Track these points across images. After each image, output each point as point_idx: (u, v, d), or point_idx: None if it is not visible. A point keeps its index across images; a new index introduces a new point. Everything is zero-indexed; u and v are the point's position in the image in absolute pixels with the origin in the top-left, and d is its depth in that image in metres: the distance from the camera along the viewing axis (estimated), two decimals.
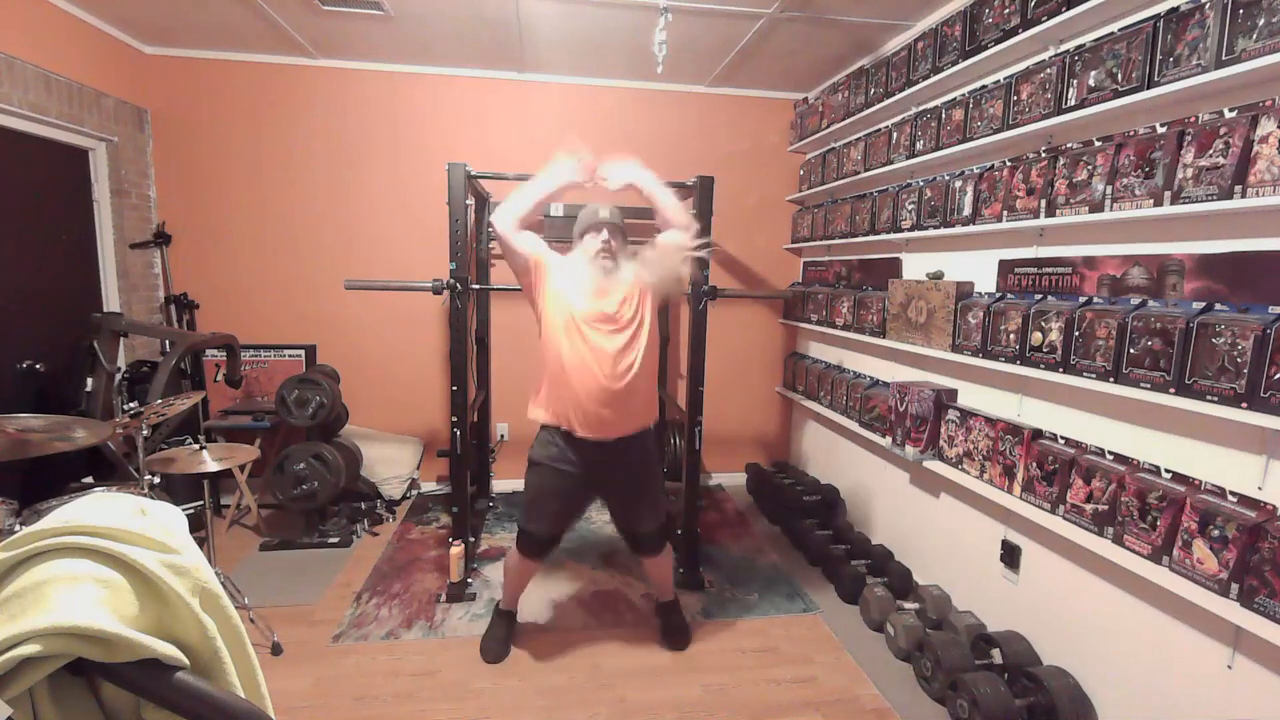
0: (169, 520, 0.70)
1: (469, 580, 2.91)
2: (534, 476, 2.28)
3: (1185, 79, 1.65)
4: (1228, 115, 1.59)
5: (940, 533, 2.76)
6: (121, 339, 3.28)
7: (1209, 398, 1.58)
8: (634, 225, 4.03)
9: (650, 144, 4.00)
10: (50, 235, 3.07)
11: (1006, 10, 2.26)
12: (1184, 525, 1.65)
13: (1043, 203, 2.12)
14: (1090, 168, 1.94)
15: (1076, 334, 1.95)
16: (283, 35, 3.30)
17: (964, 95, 2.49)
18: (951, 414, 2.52)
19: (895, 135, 2.97)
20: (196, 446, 2.40)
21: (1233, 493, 1.59)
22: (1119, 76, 1.84)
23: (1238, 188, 1.54)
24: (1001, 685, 2.00)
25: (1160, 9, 1.77)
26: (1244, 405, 1.50)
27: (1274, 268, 1.53)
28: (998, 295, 2.35)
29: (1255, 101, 1.54)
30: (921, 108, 2.82)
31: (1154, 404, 1.73)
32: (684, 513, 2.97)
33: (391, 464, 3.86)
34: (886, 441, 2.89)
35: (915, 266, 2.98)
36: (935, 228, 2.68)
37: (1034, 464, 2.13)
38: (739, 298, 4.12)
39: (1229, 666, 1.63)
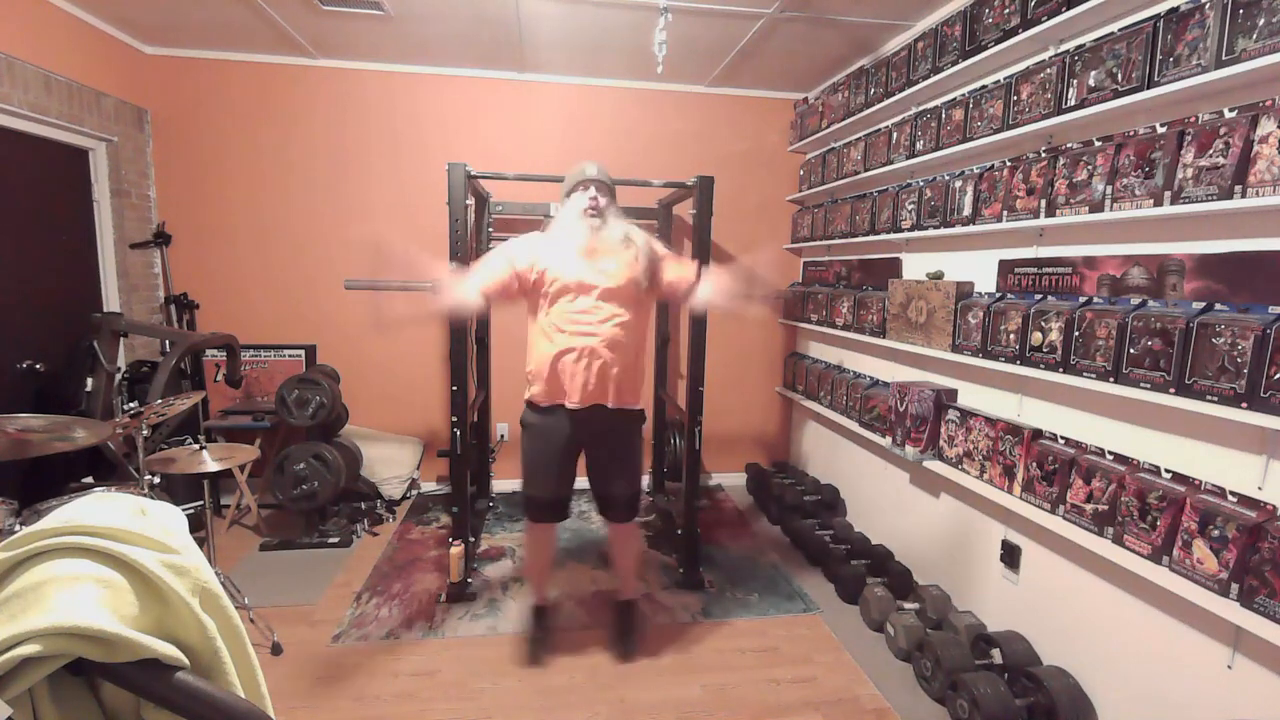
0: (169, 520, 0.70)
1: (469, 580, 2.91)
2: (527, 440, 2.29)
3: (1185, 79, 1.65)
4: (1228, 115, 1.59)
5: (940, 533, 2.76)
6: (121, 339, 3.27)
7: (1209, 398, 1.58)
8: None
9: (650, 144, 4.00)
10: (50, 235, 3.07)
11: (1006, 10, 2.26)
12: (1184, 525, 1.65)
13: (1043, 203, 2.12)
14: (1090, 168, 1.94)
15: (1076, 334, 1.95)
16: (283, 35, 3.30)
17: (964, 95, 2.49)
18: (951, 414, 2.52)
19: (895, 135, 2.97)
20: (196, 446, 2.40)
21: (1233, 493, 1.59)
22: (1119, 76, 1.84)
23: (1238, 188, 1.54)
24: (1001, 685, 2.00)
25: (1160, 9, 1.77)
26: (1244, 405, 1.50)
27: (1274, 268, 1.53)
28: (998, 295, 2.35)
29: (1255, 101, 1.54)
30: (921, 108, 2.82)
31: (1154, 404, 1.73)
32: (684, 513, 2.97)
33: (391, 464, 3.86)
34: (886, 441, 2.89)
35: (915, 266, 2.98)
36: (935, 228, 2.68)
37: (1034, 464, 2.13)
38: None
39: (1229, 666, 1.63)
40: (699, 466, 2.97)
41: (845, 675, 2.37)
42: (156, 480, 2.25)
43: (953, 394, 2.61)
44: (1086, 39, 1.98)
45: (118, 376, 3.22)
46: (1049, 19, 2.06)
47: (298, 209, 3.78)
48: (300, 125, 3.72)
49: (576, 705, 2.18)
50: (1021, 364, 2.16)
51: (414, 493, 4.04)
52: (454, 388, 2.80)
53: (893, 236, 2.99)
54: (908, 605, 2.60)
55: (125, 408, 3.19)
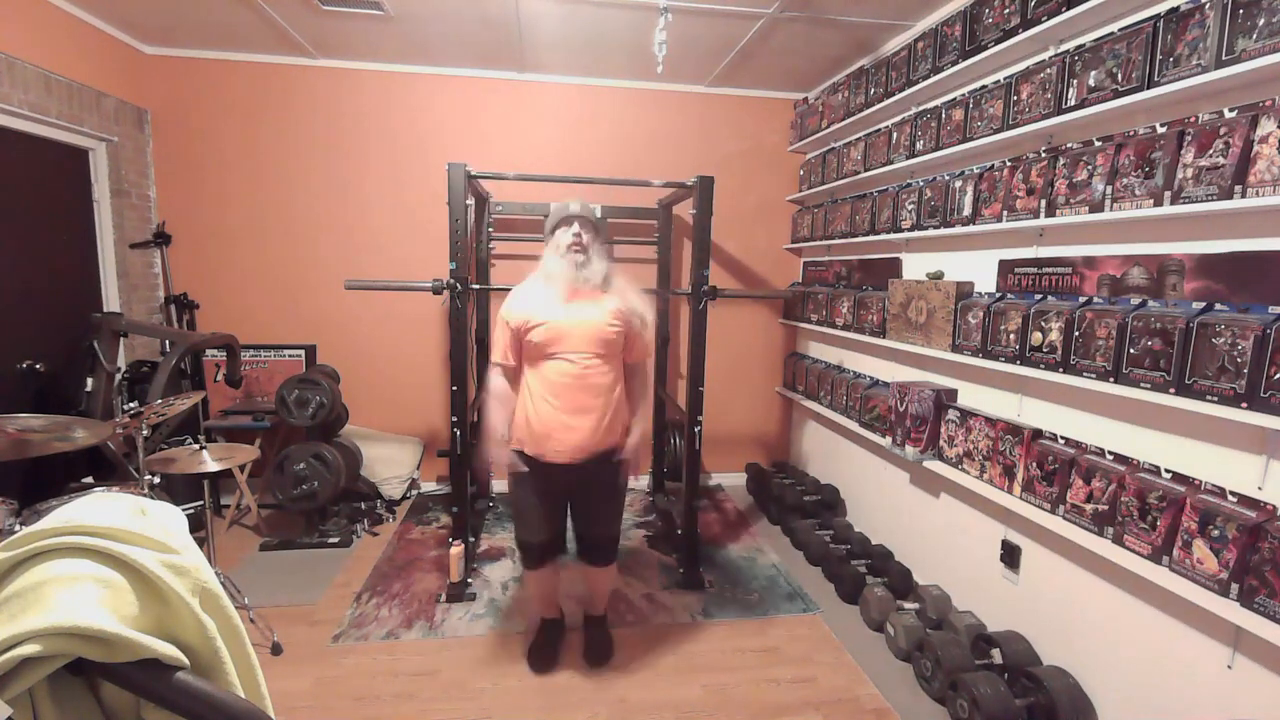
0: (169, 520, 0.70)
1: (469, 580, 2.91)
2: (515, 488, 2.27)
3: (1185, 79, 1.65)
4: (1228, 115, 1.59)
5: (940, 533, 2.76)
6: (121, 339, 3.28)
7: (1209, 398, 1.58)
8: (617, 225, 4.05)
9: (650, 144, 4.00)
10: (50, 235, 3.07)
11: (1006, 10, 2.26)
12: (1184, 525, 1.65)
13: (1043, 203, 2.12)
14: (1090, 168, 1.94)
15: (1076, 334, 1.95)
16: (282, 35, 3.30)
17: (964, 95, 2.49)
18: (951, 414, 2.52)
19: (895, 135, 2.97)
20: (196, 446, 2.40)
21: (1233, 493, 1.58)
22: (1119, 76, 1.84)
23: (1238, 188, 1.54)
24: (1001, 685, 2.00)
25: (1160, 9, 1.77)
26: (1244, 405, 1.50)
27: (1274, 268, 1.53)
28: (998, 295, 2.35)
29: (1255, 101, 1.54)
30: (921, 108, 2.82)
31: (1154, 404, 1.73)
32: (684, 513, 2.97)
33: (391, 464, 3.86)
34: (886, 441, 2.89)
35: (915, 266, 2.98)
36: (935, 228, 2.68)
37: (1034, 464, 2.13)
38: (739, 298, 4.12)
39: (1229, 666, 1.63)
40: (699, 466, 2.97)
41: (845, 675, 2.37)
42: (156, 480, 2.25)
43: (953, 394, 2.61)
44: (1086, 39, 1.98)
45: (118, 376, 3.22)
46: (1049, 19, 2.06)
47: (298, 209, 3.78)
48: (300, 125, 3.72)
49: (576, 705, 2.18)
50: (1021, 364, 2.16)
51: (414, 493, 4.04)
52: (454, 388, 2.80)
53: (893, 236, 2.99)
54: (908, 605, 2.60)
55: (125, 408, 3.19)
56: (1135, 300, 1.84)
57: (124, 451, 2.87)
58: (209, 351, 3.75)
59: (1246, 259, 1.60)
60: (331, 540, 3.30)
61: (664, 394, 3.96)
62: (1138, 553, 1.77)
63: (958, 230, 2.53)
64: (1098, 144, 1.94)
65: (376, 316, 3.91)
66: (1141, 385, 1.75)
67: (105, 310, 3.34)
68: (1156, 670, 1.83)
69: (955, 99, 2.57)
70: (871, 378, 3.21)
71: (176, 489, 3.09)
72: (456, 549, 2.77)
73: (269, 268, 3.80)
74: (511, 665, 2.38)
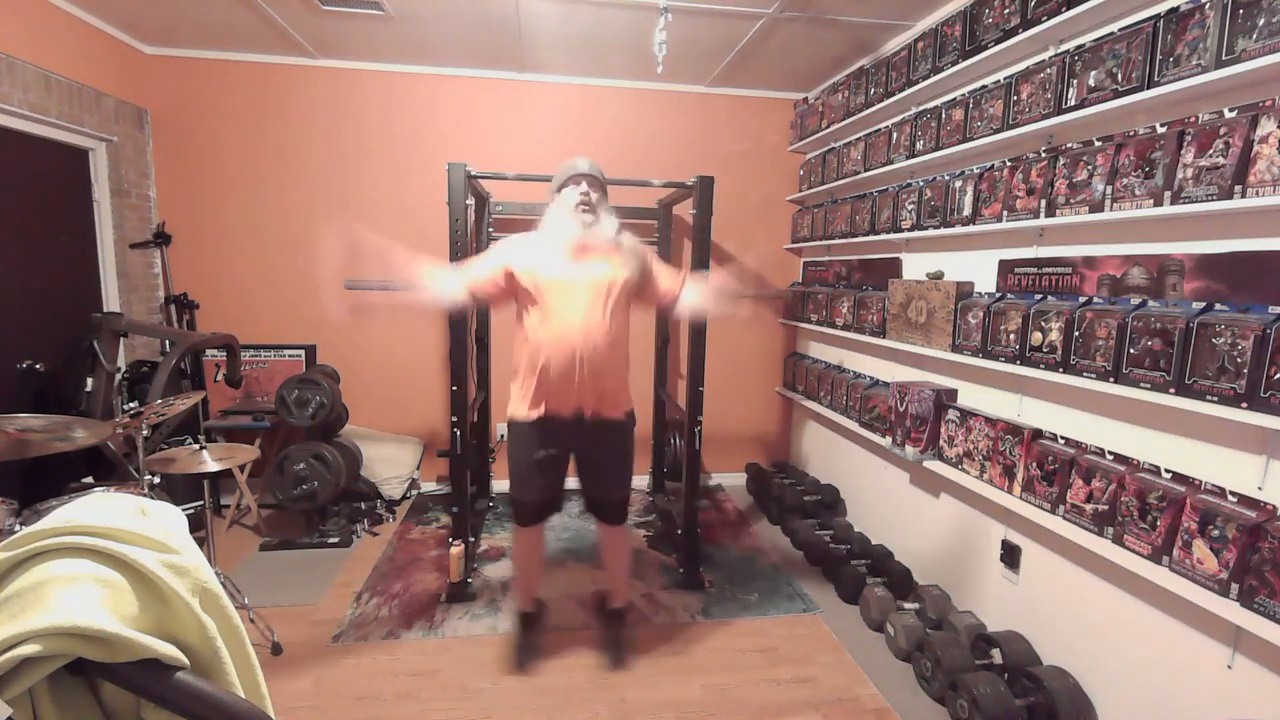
0: (169, 520, 0.70)
1: (469, 580, 2.91)
2: (512, 444, 2.23)
3: (1185, 79, 1.65)
4: (1228, 115, 1.59)
5: (940, 533, 2.76)
6: (121, 339, 3.27)
7: (1209, 398, 1.58)
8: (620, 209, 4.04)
9: (650, 144, 4.00)
10: (50, 235, 3.07)
11: (1006, 10, 2.26)
12: (1184, 525, 1.65)
13: (1043, 203, 2.12)
14: (1090, 168, 1.94)
15: (1076, 334, 1.95)
16: (282, 35, 3.30)
17: (964, 95, 2.49)
18: (951, 414, 2.52)
19: (895, 135, 2.97)
20: (196, 446, 2.40)
21: (1233, 493, 1.58)
22: (1119, 76, 1.84)
23: (1238, 188, 1.54)
24: (1001, 685, 1.99)
25: (1160, 9, 1.77)
26: (1244, 405, 1.50)
27: (1274, 268, 1.53)
28: (998, 295, 2.35)
29: (1255, 101, 1.54)
30: (921, 108, 2.82)
31: (1154, 404, 1.73)
32: (684, 513, 2.97)
33: (391, 464, 3.86)
34: (886, 441, 2.89)
35: (915, 266, 2.98)
36: (935, 228, 2.68)
37: (1034, 464, 2.13)
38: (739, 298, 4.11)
39: (1229, 666, 1.63)
40: (699, 466, 2.96)
41: (845, 675, 2.37)
42: (156, 480, 2.25)
43: (953, 394, 2.61)
44: (1086, 39, 1.98)
45: (118, 376, 3.22)
46: (1049, 19, 2.06)
47: (298, 209, 3.78)
48: (300, 125, 3.72)
49: (576, 705, 2.18)
50: (1021, 364, 2.16)
51: (414, 493, 4.04)
52: (454, 388, 2.80)
53: (893, 236, 2.99)
54: (908, 605, 2.60)
55: (125, 408, 3.19)
56: (1135, 300, 1.84)
57: (124, 451, 2.87)
58: (209, 351, 3.75)
59: (1246, 259, 1.60)
60: (331, 540, 3.30)
61: (664, 394, 3.96)
62: (1138, 553, 1.77)
63: (958, 230, 2.53)
64: (1098, 144, 1.94)
65: (376, 316, 3.91)
66: (1141, 385, 1.75)
67: (105, 310, 3.34)
68: (1156, 670, 1.83)
69: (955, 99, 2.57)
70: (871, 378, 3.21)
71: (176, 489, 3.09)
72: (456, 549, 2.77)
73: (269, 268, 3.80)
74: (511, 665, 2.37)
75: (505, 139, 3.86)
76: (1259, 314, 1.51)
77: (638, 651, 2.47)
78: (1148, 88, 1.76)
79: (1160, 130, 1.76)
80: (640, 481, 4.31)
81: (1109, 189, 1.88)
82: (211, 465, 2.31)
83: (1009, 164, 2.29)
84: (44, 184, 3.03)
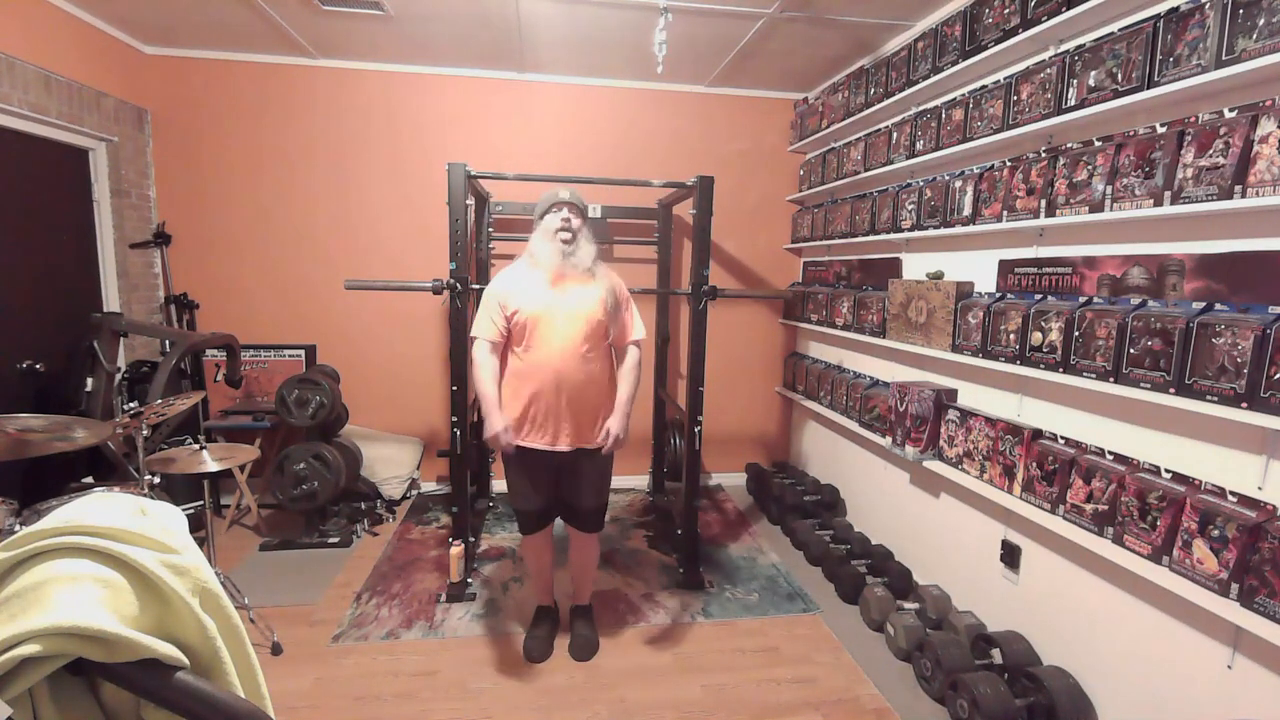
0: (169, 520, 0.70)
1: (469, 580, 2.91)
2: (507, 466, 2.33)
3: (1185, 79, 1.65)
4: (1228, 115, 1.59)
5: (940, 533, 2.76)
6: (121, 339, 3.28)
7: (1209, 398, 1.58)
8: (616, 225, 4.05)
9: (650, 144, 4.00)
10: (50, 235, 3.07)
11: (1006, 10, 2.26)
12: (1184, 525, 1.65)
13: (1043, 203, 2.12)
14: (1090, 168, 1.94)
15: (1076, 334, 1.95)
16: (283, 35, 3.30)
17: (964, 95, 2.49)
18: (951, 414, 2.52)
19: (895, 135, 2.97)
20: (196, 446, 2.40)
21: (1233, 493, 1.58)
22: (1119, 76, 1.84)
23: (1238, 188, 1.54)
24: (1001, 685, 1.99)
25: (1160, 9, 1.77)
26: (1244, 405, 1.50)
27: (1274, 268, 1.53)
28: (998, 295, 2.35)
29: (1255, 101, 1.54)
30: (921, 108, 2.82)
31: (1154, 404, 1.73)
32: (684, 512, 2.97)
33: (391, 464, 3.86)
34: (886, 441, 2.89)
35: (915, 266, 2.98)
36: (935, 228, 2.68)
37: (1034, 464, 2.13)
38: (739, 298, 4.12)
39: (1229, 666, 1.63)
40: (699, 466, 2.97)
41: (845, 675, 2.37)
42: (156, 480, 2.25)
43: (953, 394, 2.61)
44: (1086, 39, 1.98)
45: (118, 376, 3.22)
46: (1049, 19, 2.06)
47: (298, 209, 3.78)
48: (300, 125, 3.72)
49: (576, 705, 2.18)
50: (1021, 364, 2.16)
51: (414, 493, 4.04)
52: (454, 388, 2.81)
53: (893, 236, 2.99)
54: (908, 605, 2.60)
55: (125, 408, 3.19)
56: (1135, 300, 1.84)
57: (124, 451, 2.87)
58: (209, 351, 3.74)
59: (1246, 259, 1.60)
60: (331, 540, 3.30)
61: (664, 394, 3.96)
62: (1138, 553, 1.77)
63: (958, 230, 2.53)
64: (1098, 144, 1.94)
65: (376, 317, 3.91)
66: (1141, 385, 1.75)
67: (105, 310, 3.34)
68: (1156, 670, 1.83)
69: (955, 99, 2.57)
70: (871, 378, 3.21)
71: (176, 489, 3.09)
72: (456, 549, 2.77)
73: (269, 267, 3.80)
74: (511, 665, 2.38)
75: (505, 139, 3.86)
76: (1259, 314, 1.51)
77: (638, 651, 2.48)
78: (1148, 88, 1.76)
79: (1160, 130, 1.76)
80: (640, 481, 4.31)
81: (1109, 189, 1.88)
82: (211, 465, 2.31)
83: (1009, 164, 2.29)
84: (44, 184, 3.03)
